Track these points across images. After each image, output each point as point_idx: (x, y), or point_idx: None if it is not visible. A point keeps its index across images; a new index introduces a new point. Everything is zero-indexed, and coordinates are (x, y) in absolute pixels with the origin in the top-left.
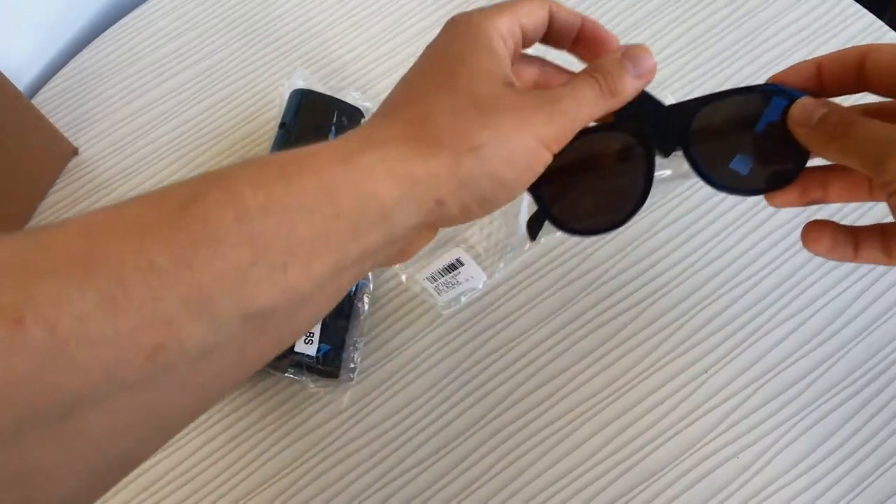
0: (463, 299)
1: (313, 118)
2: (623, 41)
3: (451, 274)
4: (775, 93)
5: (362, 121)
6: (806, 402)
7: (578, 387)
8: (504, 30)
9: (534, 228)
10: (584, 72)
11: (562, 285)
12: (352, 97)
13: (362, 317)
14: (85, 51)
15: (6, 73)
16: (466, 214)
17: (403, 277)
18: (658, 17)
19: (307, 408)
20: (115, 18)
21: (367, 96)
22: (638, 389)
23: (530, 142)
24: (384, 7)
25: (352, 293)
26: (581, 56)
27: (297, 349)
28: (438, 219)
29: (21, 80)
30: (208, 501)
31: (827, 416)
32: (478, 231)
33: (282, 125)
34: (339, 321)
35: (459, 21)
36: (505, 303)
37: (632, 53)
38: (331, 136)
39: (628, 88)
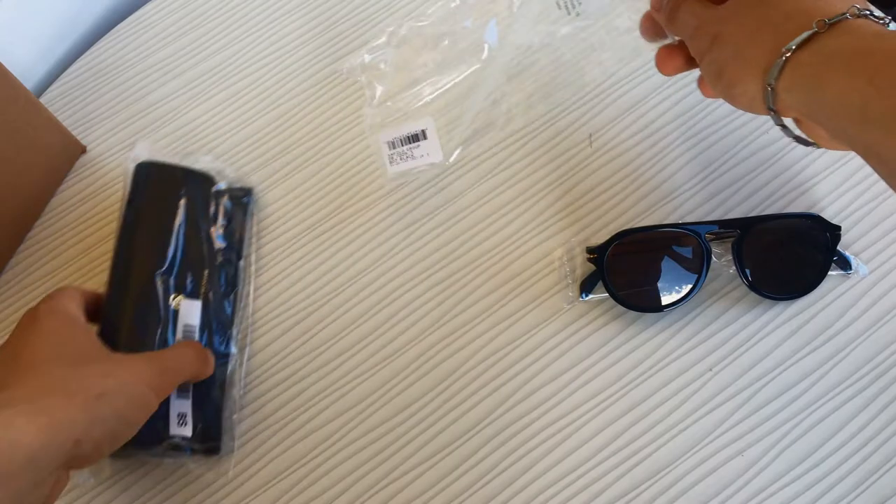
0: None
1: (161, 191)
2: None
3: (411, 145)
4: (809, 218)
5: (213, 188)
6: (810, 400)
7: (583, 384)
8: (77, 311)
9: (587, 286)
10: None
11: (519, 178)
12: (203, 161)
13: (241, 374)
14: (92, 49)
15: (14, 72)
16: (98, 452)
17: (367, 128)
18: None
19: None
20: (122, 17)
21: (214, 154)
22: (642, 387)
23: (143, 388)
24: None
25: (219, 365)
26: None
27: (171, 432)
28: (75, 458)
29: (29, 78)
30: None
31: (831, 414)
32: (443, 107)
33: (129, 202)
34: (214, 395)
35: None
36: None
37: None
38: (180, 209)
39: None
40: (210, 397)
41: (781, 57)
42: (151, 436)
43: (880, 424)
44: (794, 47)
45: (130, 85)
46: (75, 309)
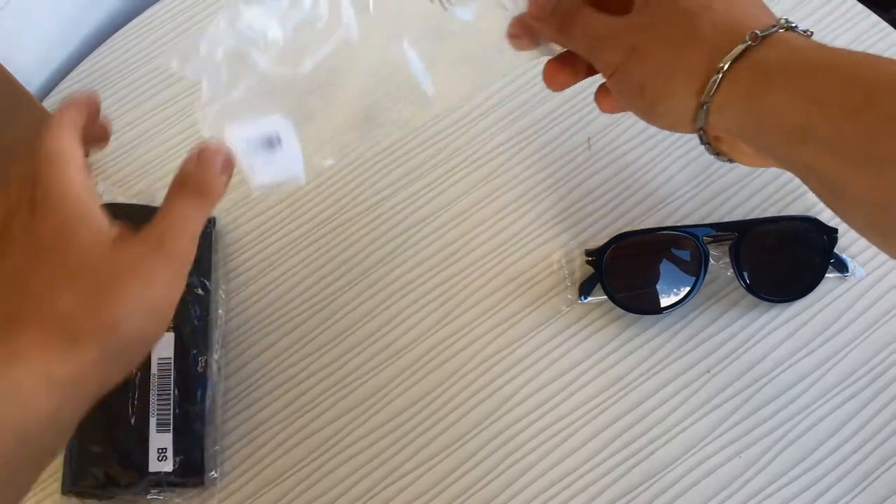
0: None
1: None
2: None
3: (267, 151)
4: (806, 221)
5: None
6: (807, 402)
7: (582, 386)
8: (75, 174)
9: (586, 289)
10: (173, 189)
11: (518, 182)
12: (162, 197)
13: (221, 401)
14: (94, 54)
15: (17, 76)
16: (113, 381)
17: (207, 133)
18: None
19: None
20: (123, 22)
21: None
22: (641, 389)
23: (161, 291)
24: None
25: (198, 395)
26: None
27: (151, 469)
28: (98, 394)
29: (30, 83)
30: None
31: (828, 416)
32: (299, 100)
33: None
34: (194, 426)
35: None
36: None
37: (204, 156)
38: None
39: (220, 185)
40: (191, 428)
41: (718, 73)
42: (131, 475)
43: (877, 425)
44: (730, 62)
45: (132, 90)
46: (75, 175)
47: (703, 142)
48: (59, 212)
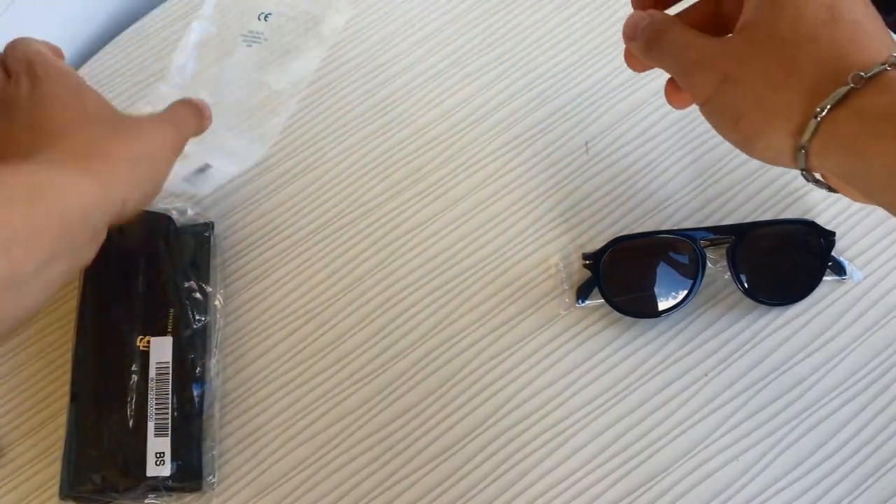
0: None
1: (120, 236)
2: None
3: (202, 173)
4: (803, 224)
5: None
6: (806, 405)
7: (579, 390)
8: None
9: (583, 292)
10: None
11: (516, 186)
12: (161, 200)
13: (218, 406)
14: (94, 58)
15: None
16: (135, 211)
17: None
18: None
19: None
20: (125, 26)
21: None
22: (638, 392)
23: (167, 152)
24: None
25: (196, 399)
26: None
27: (149, 473)
28: (116, 216)
29: None
30: None
31: (827, 419)
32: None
33: None
34: (192, 430)
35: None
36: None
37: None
38: (141, 251)
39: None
40: (189, 432)
41: (816, 118)
42: (128, 479)
43: (876, 428)
44: (829, 107)
45: (129, 97)
46: (62, 64)
47: (807, 180)
48: (66, 77)
